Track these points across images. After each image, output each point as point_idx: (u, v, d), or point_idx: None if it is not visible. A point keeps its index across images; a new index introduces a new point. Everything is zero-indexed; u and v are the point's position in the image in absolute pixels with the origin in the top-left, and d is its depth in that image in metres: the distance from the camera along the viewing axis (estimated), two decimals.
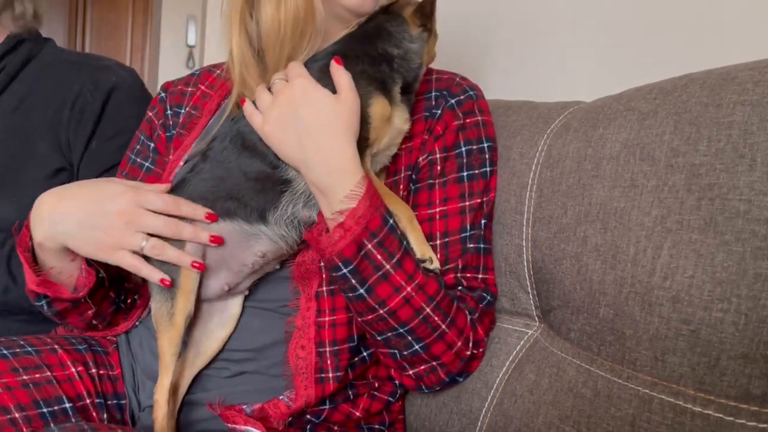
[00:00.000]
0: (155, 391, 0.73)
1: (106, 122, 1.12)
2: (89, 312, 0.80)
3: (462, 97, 0.80)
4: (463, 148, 0.79)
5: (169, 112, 0.92)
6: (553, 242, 0.73)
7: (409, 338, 0.70)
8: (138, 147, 0.93)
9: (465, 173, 0.78)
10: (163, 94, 0.95)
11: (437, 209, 0.77)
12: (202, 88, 0.92)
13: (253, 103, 0.73)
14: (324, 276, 0.74)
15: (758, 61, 0.60)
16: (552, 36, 1.17)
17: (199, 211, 0.72)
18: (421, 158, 0.78)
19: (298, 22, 0.75)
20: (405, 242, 0.69)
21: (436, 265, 0.72)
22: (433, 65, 0.86)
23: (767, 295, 0.52)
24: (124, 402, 0.83)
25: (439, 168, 0.78)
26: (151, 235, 0.71)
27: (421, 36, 0.76)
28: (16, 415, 0.70)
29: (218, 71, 0.94)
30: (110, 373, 0.84)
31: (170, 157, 0.88)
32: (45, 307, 0.78)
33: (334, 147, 0.66)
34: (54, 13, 4.00)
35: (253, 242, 0.73)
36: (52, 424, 0.72)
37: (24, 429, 0.70)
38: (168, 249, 0.70)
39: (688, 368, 0.57)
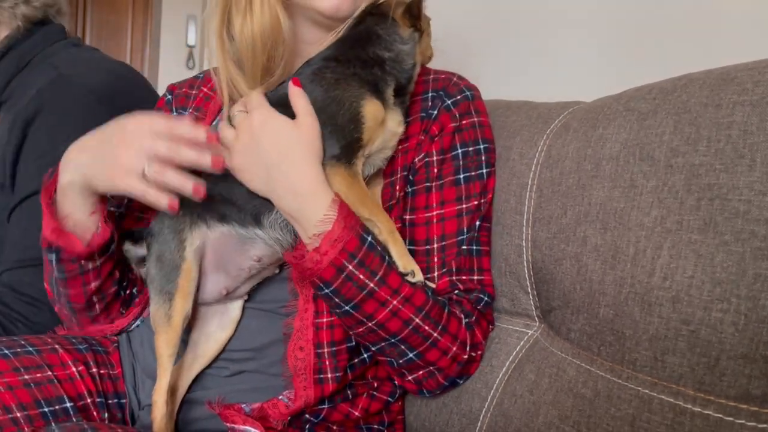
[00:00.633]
0: (153, 392, 0.74)
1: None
2: (93, 284, 0.80)
3: (458, 97, 0.80)
4: (460, 150, 0.79)
5: (174, 114, 0.93)
6: (552, 242, 0.73)
7: (402, 347, 0.71)
8: None
9: (462, 176, 0.78)
10: (169, 97, 0.95)
11: (434, 212, 0.77)
12: (205, 90, 0.93)
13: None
14: None
15: (758, 61, 0.60)
16: (552, 36, 1.17)
17: (200, 132, 0.71)
18: (417, 159, 0.78)
19: (266, 33, 0.76)
20: (387, 256, 0.69)
21: (419, 278, 0.71)
22: (432, 65, 0.85)
23: (767, 296, 0.52)
24: (124, 401, 0.84)
25: (435, 170, 0.78)
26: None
27: (412, 36, 0.76)
28: (18, 415, 0.70)
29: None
30: (111, 372, 0.84)
31: None
32: (54, 264, 0.77)
33: (299, 172, 0.67)
34: None
35: (249, 246, 0.73)
36: (53, 424, 0.72)
37: (25, 428, 0.70)
38: (169, 171, 0.70)
39: (687, 368, 0.57)
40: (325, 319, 0.74)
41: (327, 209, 0.66)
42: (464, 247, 0.77)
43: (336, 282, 0.66)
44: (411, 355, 0.71)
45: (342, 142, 0.69)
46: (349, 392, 0.79)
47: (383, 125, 0.72)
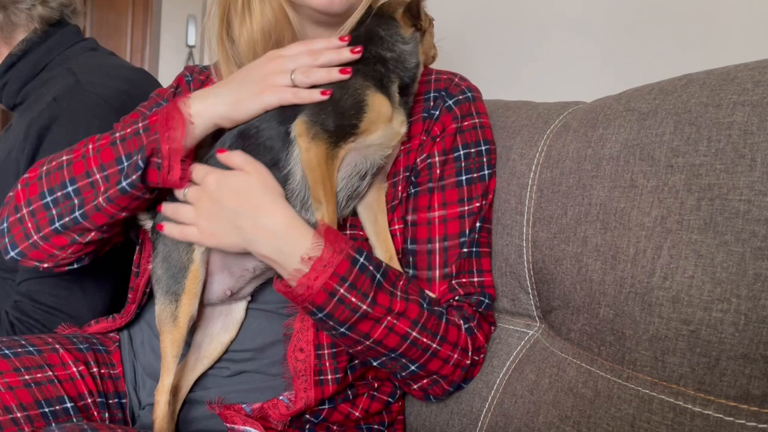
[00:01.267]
0: (156, 391, 0.74)
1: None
2: (124, 213, 0.77)
3: (460, 98, 0.80)
4: (462, 152, 0.79)
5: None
6: (553, 242, 0.73)
7: (403, 360, 0.71)
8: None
9: (464, 177, 0.78)
10: (189, 76, 0.94)
11: (436, 213, 0.77)
12: (214, 81, 0.93)
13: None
14: None
15: (758, 61, 0.60)
16: (552, 36, 1.17)
17: (334, 39, 0.73)
18: (419, 160, 0.79)
19: (267, 31, 0.76)
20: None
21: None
22: (432, 65, 0.86)
23: (767, 296, 0.53)
24: (125, 401, 0.84)
25: (437, 171, 0.78)
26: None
27: (414, 36, 0.76)
28: (18, 415, 0.70)
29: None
30: (111, 371, 0.84)
31: None
32: (128, 184, 0.73)
33: (268, 212, 0.68)
34: None
35: None
36: (53, 424, 0.72)
37: (25, 428, 0.70)
38: (314, 70, 0.71)
39: (687, 368, 0.57)
40: None
41: (312, 238, 0.66)
42: (465, 249, 0.77)
43: (328, 306, 0.65)
44: (413, 367, 0.72)
45: (338, 122, 0.69)
46: (349, 392, 0.79)
47: (389, 122, 0.72)
